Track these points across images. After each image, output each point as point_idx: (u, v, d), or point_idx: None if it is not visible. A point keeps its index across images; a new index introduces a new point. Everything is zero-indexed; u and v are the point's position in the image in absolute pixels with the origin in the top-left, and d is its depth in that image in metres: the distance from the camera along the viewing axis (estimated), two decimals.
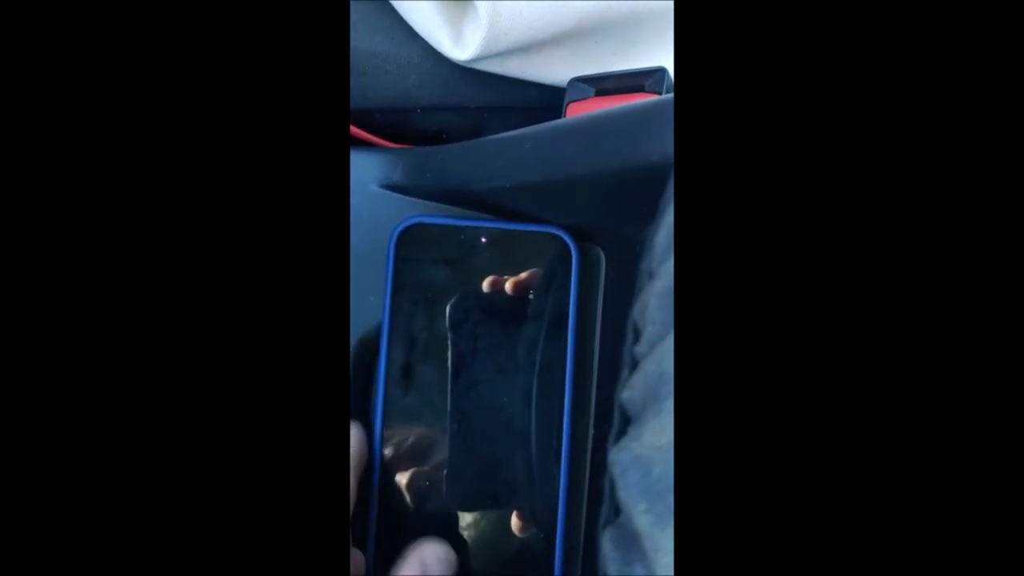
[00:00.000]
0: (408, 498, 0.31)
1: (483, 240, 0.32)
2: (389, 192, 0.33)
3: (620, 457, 0.18)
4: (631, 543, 0.18)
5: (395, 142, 0.38)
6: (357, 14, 0.36)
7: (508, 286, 0.32)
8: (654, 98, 0.30)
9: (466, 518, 0.31)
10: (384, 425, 0.31)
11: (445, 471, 0.31)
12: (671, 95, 0.29)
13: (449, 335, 0.32)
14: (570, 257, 0.32)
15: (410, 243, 0.32)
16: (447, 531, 0.31)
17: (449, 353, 0.32)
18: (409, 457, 0.31)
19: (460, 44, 0.36)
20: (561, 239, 0.32)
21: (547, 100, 0.38)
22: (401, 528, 0.31)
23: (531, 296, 0.32)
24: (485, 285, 0.32)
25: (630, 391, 0.19)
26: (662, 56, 0.38)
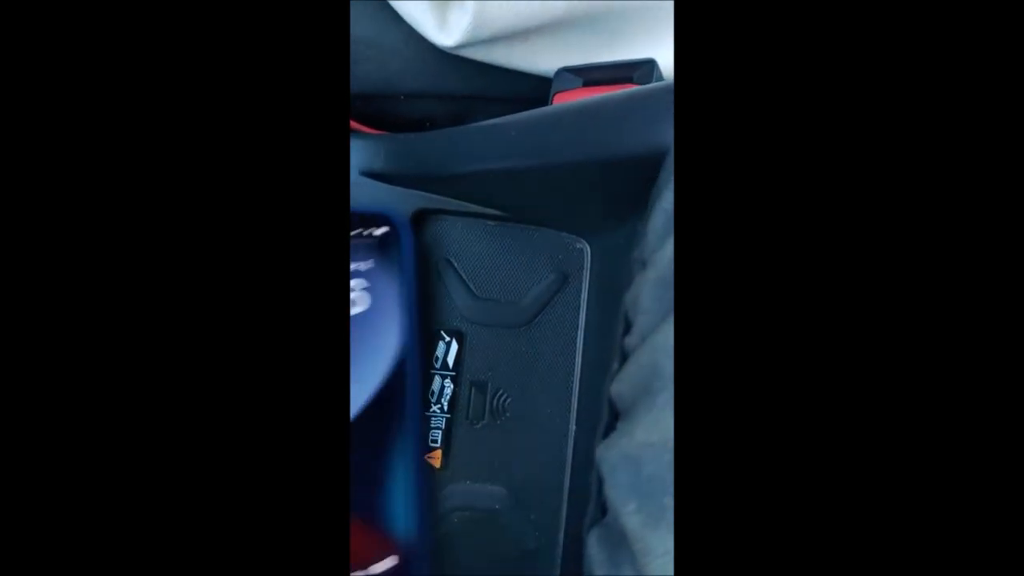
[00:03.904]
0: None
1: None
2: (370, 180, 0.33)
3: (609, 454, 0.17)
4: (619, 544, 0.17)
5: (377, 129, 0.37)
6: None
7: None
8: (642, 87, 0.29)
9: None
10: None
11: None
12: (659, 84, 0.28)
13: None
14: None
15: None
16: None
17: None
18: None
19: (445, 30, 0.35)
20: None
21: (533, 89, 0.37)
22: None
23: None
24: None
25: (620, 384, 0.18)
26: (652, 48, 0.37)
